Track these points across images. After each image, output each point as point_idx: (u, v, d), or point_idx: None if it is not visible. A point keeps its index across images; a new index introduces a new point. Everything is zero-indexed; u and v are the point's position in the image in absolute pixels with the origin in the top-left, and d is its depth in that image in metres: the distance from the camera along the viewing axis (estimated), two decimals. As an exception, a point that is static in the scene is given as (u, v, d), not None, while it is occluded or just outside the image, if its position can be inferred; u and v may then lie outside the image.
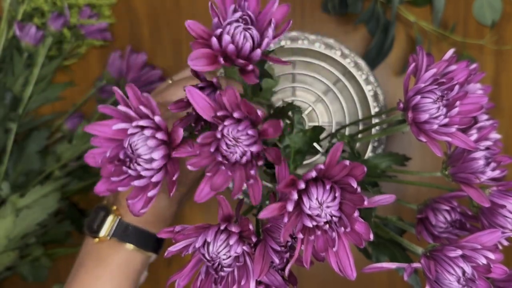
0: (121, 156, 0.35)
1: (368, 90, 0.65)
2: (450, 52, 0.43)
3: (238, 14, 0.35)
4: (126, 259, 0.51)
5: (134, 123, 0.35)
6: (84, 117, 0.73)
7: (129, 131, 0.35)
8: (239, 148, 0.33)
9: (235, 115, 0.33)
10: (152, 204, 0.51)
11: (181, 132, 0.34)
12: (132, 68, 0.71)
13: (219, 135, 0.33)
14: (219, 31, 0.34)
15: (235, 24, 0.34)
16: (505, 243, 0.42)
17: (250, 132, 0.33)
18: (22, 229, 0.64)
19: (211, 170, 0.35)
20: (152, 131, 0.34)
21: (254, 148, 0.33)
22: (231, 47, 0.34)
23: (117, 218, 0.50)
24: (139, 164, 0.34)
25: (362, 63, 0.65)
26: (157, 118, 0.34)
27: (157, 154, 0.34)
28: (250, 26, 0.35)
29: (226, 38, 0.34)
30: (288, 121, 0.47)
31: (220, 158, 0.34)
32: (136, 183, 0.35)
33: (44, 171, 0.69)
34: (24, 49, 0.68)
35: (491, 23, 0.68)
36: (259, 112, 0.33)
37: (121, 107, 0.35)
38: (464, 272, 0.36)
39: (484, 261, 0.36)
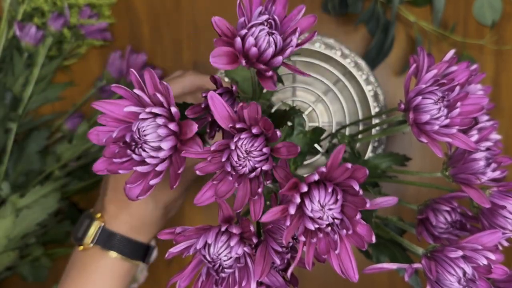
0: (127, 139, 0.35)
1: (368, 90, 0.65)
2: (451, 53, 0.43)
3: (264, 17, 0.34)
4: (110, 267, 0.50)
5: (147, 109, 0.34)
6: (84, 117, 0.73)
7: (141, 116, 0.34)
8: (250, 163, 0.33)
9: (254, 130, 0.33)
10: (137, 208, 0.51)
11: (195, 127, 0.34)
12: (132, 68, 0.71)
13: (232, 146, 0.33)
14: (243, 32, 0.34)
15: (260, 27, 0.34)
16: (506, 243, 0.42)
17: (264, 150, 0.34)
18: (22, 229, 0.64)
19: (217, 178, 0.35)
20: (165, 120, 0.34)
21: (265, 166, 0.34)
22: (253, 50, 0.34)
23: (100, 225, 0.50)
24: (144, 150, 0.34)
25: (362, 63, 0.65)
26: (173, 109, 0.34)
27: (166, 144, 0.33)
28: (274, 31, 0.35)
29: (250, 40, 0.34)
30: (289, 123, 0.47)
31: (229, 169, 0.34)
32: (139, 168, 0.34)
33: (44, 171, 0.69)
34: (24, 49, 0.68)
35: (491, 23, 0.69)
36: (278, 132, 0.33)
37: (137, 91, 0.35)
38: (464, 273, 0.36)
39: (485, 261, 0.36)
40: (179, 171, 0.34)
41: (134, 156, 0.34)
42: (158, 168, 0.34)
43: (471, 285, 0.37)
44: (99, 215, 0.51)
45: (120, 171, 0.35)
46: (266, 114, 0.53)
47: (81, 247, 0.50)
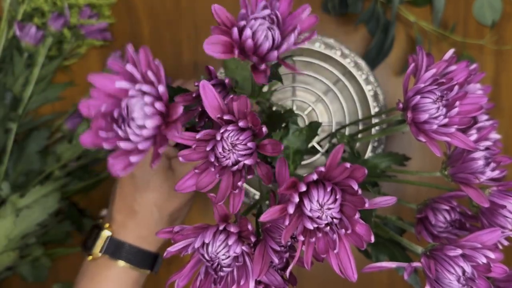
0: (115, 114, 0.34)
1: (368, 90, 0.65)
2: (450, 52, 0.43)
3: (267, 11, 0.34)
4: (118, 276, 0.51)
5: (137, 86, 0.34)
6: (84, 117, 0.73)
7: (130, 93, 0.34)
8: (234, 155, 0.34)
9: (240, 124, 0.33)
10: (143, 218, 0.51)
11: (180, 109, 0.33)
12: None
13: (218, 137, 0.33)
14: (242, 23, 0.34)
15: (260, 21, 0.34)
16: (505, 243, 0.42)
17: (249, 144, 0.34)
18: (22, 229, 0.64)
19: (200, 167, 0.35)
20: (152, 99, 0.34)
21: (248, 161, 0.34)
22: (249, 42, 0.34)
23: (109, 235, 0.50)
24: (130, 127, 0.33)
25: (362, 63, 0.65)
26: (161, 88, 0.34)
27: (150, 123, 0.33)
28: (274, 27, 0.34)
29: (248, 32, 0.34)
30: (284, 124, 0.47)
31: (212, 159, 0.34)
32: (122, 144, 0.34)
33: (44, 171, 0.69)
34: (24, 49, 0.68)
35: (491, 23, 0.68)
36: (264, 128, 0.33)
37: (129, 66, 0.34)
38: (464, 272, 0.36)
39: (484, 260, 0.36)
40: (160, 151, 0.34)
41: (119, 132, 0.34)
42: (140, 146, 0.34)
43: (470, 284, 0.37)
44: (107, 225, 0.51)
45: (104, 145, 0.35)
46: (266, 114, 0.53)
47: (90, 257, 0.50)
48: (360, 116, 0.65)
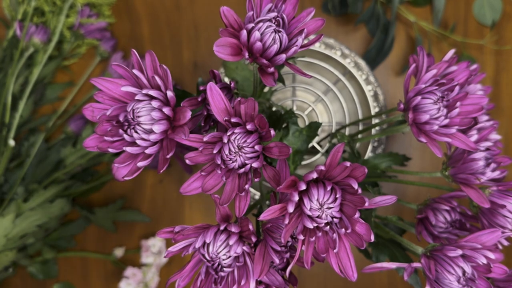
0: (121, 118, 0.34)
1: (368, 90, 0.65)
2: (451, 53, 0.43)
3: (273, 14, 0.35)
4: None
5: (144, 91, 0.34)
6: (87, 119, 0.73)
7: (137, 97, 0.34)
8: (240, 158, 0.34)
9: (248, 126, 0.33)
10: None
11: (188, 114, 0.33)
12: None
13: (225, 139, 0.33)
14: (250, 25, 0.34)
15: (267, 24, 0.34)
16: (505, 243, 0.42)
17: (256, 147, 0.34)
18: (22, 229, 0.64)
19: (206, 169, 0.35)
20: (160, 103, 0.34)
21: (255, 164, 0.34)
22: (258, 44, 0.34)
23: None
24: (136, 132, 0.34)
25: (362, 63, 0.65)
26: (169, 94, 0.34)
27: (158, 128, 0.33)
28: (281, 29, 0.35)
29: (256, 35, 0.34)
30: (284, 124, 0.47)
31: (219, 161, 0.34)
32: (129, 149, 0.34)
33: (50, 176, 0.69)
34: (31, 44, 0.67)
35: (491, 23, 0.69)
36: (272, 131, 0.33)
37: (136, 71, 0.35)
38: (464, 272, 0.36)
39: (484, 260, 0.36)
40: (168, 156, 0.34)
41: (125, 136, 0.34)
42: (147, 151, 0.34)
43: (470, 284, 0.37)
44: None
45: (110, 150, 0.35)
46: (266, 114, 0.53)
47: None
48: (360, 116, 0.65)
